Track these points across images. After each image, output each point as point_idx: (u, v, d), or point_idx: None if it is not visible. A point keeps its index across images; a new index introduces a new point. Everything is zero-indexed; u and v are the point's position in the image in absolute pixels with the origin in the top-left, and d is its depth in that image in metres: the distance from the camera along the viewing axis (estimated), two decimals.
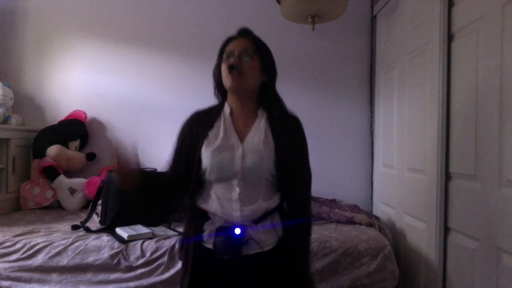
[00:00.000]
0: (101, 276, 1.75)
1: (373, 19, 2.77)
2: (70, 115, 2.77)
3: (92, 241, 1.83)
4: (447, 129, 1.76)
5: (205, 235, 1.18)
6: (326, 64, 2.84)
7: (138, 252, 1.78)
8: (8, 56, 2.87)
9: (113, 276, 1.75)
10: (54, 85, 2.88)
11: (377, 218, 2.27)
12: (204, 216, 1.19)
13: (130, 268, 1.75)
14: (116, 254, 1.77)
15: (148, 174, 1.21)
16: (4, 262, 1.77)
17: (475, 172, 1.54)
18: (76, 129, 2.72)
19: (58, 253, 1.77)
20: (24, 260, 1.77)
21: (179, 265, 1.69)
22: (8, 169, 2.50)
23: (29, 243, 1.80)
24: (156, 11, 2.87)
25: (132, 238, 1.84)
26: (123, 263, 1.76)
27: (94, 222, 2.17)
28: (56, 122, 2.78)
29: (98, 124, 2.85)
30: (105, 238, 1.86)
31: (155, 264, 1.75)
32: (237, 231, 1.12)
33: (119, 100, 2.84)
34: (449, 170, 1.75)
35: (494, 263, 1.41)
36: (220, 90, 1.30)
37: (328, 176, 2.77)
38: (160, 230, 2.01)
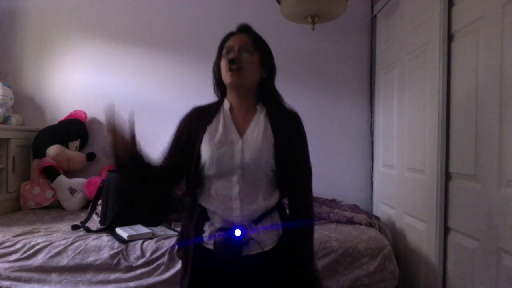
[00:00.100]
0: (101, 276, 1.75)
1: (373, 19, 2.77)
2: (70, 115, 2.78)
3: (92, 241, 1.83)
4: (447, 129, 1.76)
5: (206, 236, 1.17)
6: (326, 64, 2.84)
7: (138, 252, 1.78)
8: (8, 56, 2.87)
9: (113, 276, 1.75)
10: (54, 85, 2.88)
11: (377, 218, 2.26)
12: (204, 216, 1.19)
13: (130, 268, 1.75)
14: (116, 254, 1.77)
15: (142, 151, 1.17)
16: (4, 262, 1.77)
17: (475, 172, 1.54)
18: (76, 129, 2.72)
19: (58, 253, 1.77)
20: (24, 260, 1.77)
21: (179, 265, 1.69)
22: (8, 169, 2.50)
23: (29, 243, 1.80)
24: (156, 11, 2.87)
25: (132, 238, 1.84)
26: (123, 263, 1.76)
27: (94, 222, 2.18)
28: (56, 122, 2.78)
29: (98, 124, 2.85)
30: (105, 238, 1.86)
31: (155, 264, 1.75)
32: (237, 232, 1.12)
33: (119, 100, 2.84)
34: (449, 170, 1.75)
35: (494, 263, 1.41)
36: (219, 86, 1.30)
37: (328, 176, 2.77)
38: (160, 230, 2.01)
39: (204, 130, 1.20)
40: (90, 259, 1.76)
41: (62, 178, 2.57)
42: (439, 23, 1.77)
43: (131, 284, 1.73)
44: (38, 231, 1.97)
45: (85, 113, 2.79)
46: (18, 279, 1.75)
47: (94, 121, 2.84)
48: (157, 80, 2.85)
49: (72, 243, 1.81)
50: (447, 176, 1.76)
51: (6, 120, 2.54)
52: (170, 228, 2.06)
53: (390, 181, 2.40)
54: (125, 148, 1.09)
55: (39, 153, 2.62)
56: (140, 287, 1.73)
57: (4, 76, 2.83)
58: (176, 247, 1.31)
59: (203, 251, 1.17)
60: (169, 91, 2.85)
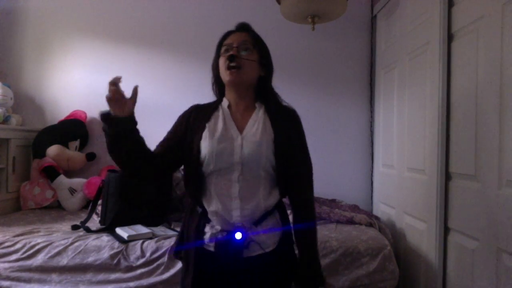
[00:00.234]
0: (101, 276, 1.75)
1: (373, 19, 2.77)
2: (70, 115, 2.78)
3: (92, 241, 1.83)
4: (447, 129, 1.76)
5: (206, 239, 1.17)
6: (326, 64, 2.83)
7: (138, 252, 1.77)
8: (8, 56, 2.87)
9: (113, 276, 1.75)
10: (54, 85, 2.88)
11: (377, 218, 2.26)
12: (205, 217, 1.18)
13: (130, 268, 1.75)
14: (116, 254, 1.77)
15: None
16: (4, 262, 1.77)
17: (475, 172, 1.54)
18: (76, 129, 2.72)
19: (58, 253, 1.77)
20: (24, 260, 1.77)
21: (179, 265, 1.69)
22: (8, 169, 2.50)
23: (29, 243, 1.80)
24: (156, 11, 2.87)
25: (132, 238, 1.84)
26: (123, 263, 1.76)
27: (94, 222, 2.18)
28: (56, 122, 2.78)
29: (98, 124, 2.84)
30: (105, 238, 1.86)
31: (155, 264, 1.75)
32: (238, 235, 1.12)
33: None
34: (449, 170, 1.75)
35: (494, 263, 1.41)
36: (218, 84, 1.30)
37: (328, 176, 2.77)
38: (160, 230, 2.01)
39: (203, 128, 1.20)
40: (90, 259, 1.76)
41: (62, 178, 2.57)
42: (439, 23, 1.77)
43: (131, 284, 1.73)
44: (38, 231, 1.97)
45: (85, 113, 2.79)
46: (18, 279, 1.75)
47: (94, 121, 2.83)
48: (157, 80, 2.85)
49: (72, 243, 1.81)
50: (447, 176, 1.76)
51: (6, 120, 2.54)
52: (170, 228, 2.06)
53: (390, 181, 2.40)
54: (124, 102, 1.13)
55: (39, 153, 2.62)
56: (140, 287, 1.73)
57: (4, 76, 2.83)
58: (174, 249, 1.31)
59: (204, 253, 1.17)
60: (169, 91, 2.85)
